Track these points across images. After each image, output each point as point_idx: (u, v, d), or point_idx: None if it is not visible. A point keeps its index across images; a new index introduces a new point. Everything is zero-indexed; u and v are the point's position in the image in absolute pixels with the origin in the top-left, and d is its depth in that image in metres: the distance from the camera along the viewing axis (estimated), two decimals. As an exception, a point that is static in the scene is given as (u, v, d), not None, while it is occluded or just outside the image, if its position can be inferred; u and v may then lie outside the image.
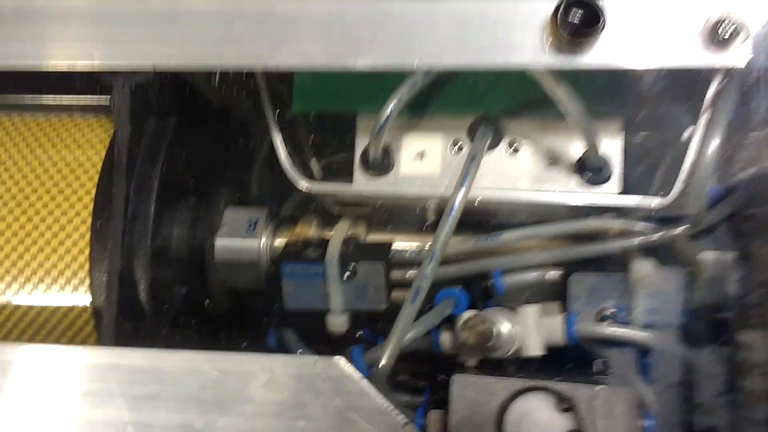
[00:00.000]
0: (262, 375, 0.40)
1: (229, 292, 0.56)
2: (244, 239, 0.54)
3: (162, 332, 0.48)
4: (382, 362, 0.43)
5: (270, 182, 0.61)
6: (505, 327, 0.45)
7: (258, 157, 0.60)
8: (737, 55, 0.39)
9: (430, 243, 0.50)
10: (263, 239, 0.54)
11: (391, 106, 0.45)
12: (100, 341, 0.44)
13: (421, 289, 0.43)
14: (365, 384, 0.39)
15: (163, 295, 0.48)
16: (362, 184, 0.49)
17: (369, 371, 0.44)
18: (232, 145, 0.57)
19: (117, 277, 0.43)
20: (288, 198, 0.60)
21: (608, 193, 0.48)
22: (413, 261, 0.51)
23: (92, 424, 0.41)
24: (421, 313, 0.46)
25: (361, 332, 0.52)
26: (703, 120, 0.46)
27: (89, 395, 0.41)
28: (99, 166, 0.46)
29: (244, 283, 0.55)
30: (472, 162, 0.44)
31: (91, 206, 0.45)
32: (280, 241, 0.55)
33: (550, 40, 0.39)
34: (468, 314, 0.46)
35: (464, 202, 0.44)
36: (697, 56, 0.39)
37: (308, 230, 0.55)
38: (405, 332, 0.44)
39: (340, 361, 0.40)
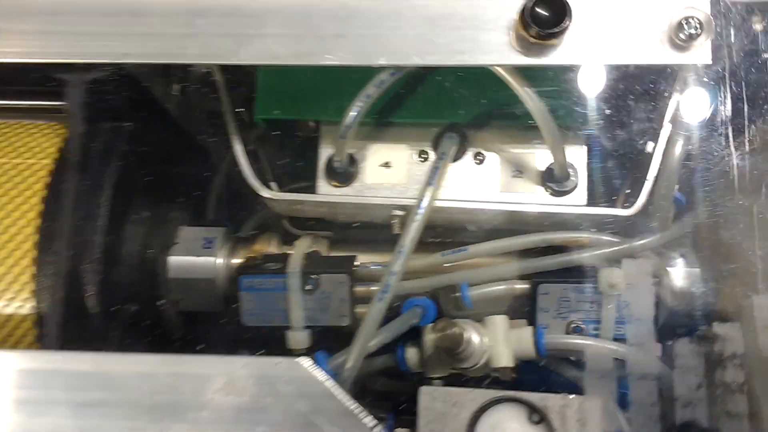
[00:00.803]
0: (219, 378, 0.38)
1: (183, 313, 0.53)
2: (199, 257, 0.52)
3: (110, 340, 0.44)
4: (348, 364, 0.41)
5: (227, 201, 0.59)
6: (474, 336, 0.44)
7: (216, 174, 0.58)
8: (699, 54, 0.40)
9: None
10: (220, 257, 0.52)
11: (354, 110, 0.44)
12: (43, 346, 0.40)
13: (390, 285, 0.41)
14: (331, 385, 0.37)
15: (112, 303, 0.45)
16: (326, 192, 0.48)
17: (335, 377, 0.41)
18: (189, 160, 0.55)
19: (63, 278, 0.40)
20: (246, 219, 0.58)
21: (574, 204, 0.47)
22: (377, 276, 0.49)
23: (30, 434, 0.37)
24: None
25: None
26: (663, 133, 0.47)
27: (28, 403, 0.37)
28: (50, 168, 0.44)
29: (198, 304, 0.53)
30: (441, 159, 0.43)
31: (38, 207, 0.43)
32: (237, 261, 0.53)
33: (517, 38, 0.40)
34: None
35: (433, 199, 0.43)
36: (661, 55, 0.40)
37: (268, 247, 0.53)
38: (372, 332, 0.42)
39: (304, 362, 0.37)
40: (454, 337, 0.41)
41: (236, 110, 0.50)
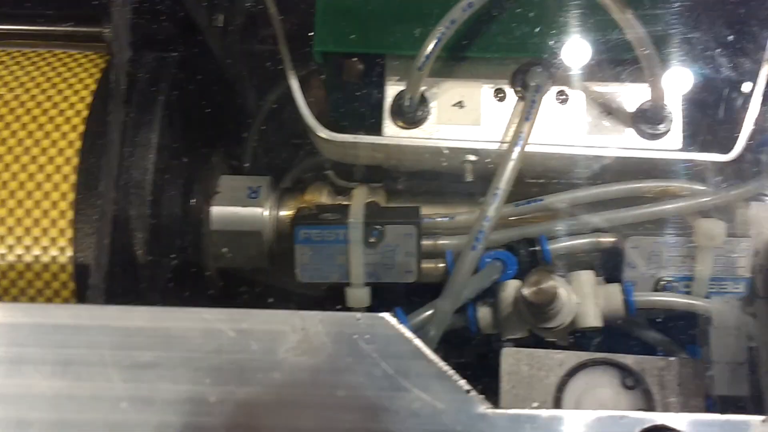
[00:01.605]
0: (292, 335, 0.33)
1: (225, 269, 0.49)
2: (244, 207, 0.47)
3: (158, 296, 0.40)
4: (436, 321, 0.36)
5: (264, 151, 0.54)
6: (564, 293, 0.39)
7: (257, 117, 0.53)
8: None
9: (462, 211, 0.45)
10: (267, 208, 0.47)
11: (435, 40, 0.39)
12: (86, 300, 0.36)
13: (484, 232, 0.37)
14: (420, 345, 0.32)
15: (157, 255, 0.40)
16: (394, 134, 0.43)
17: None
18: (231, 101, 0.50)
19: (110, 223, 0.35)
20: (288, 169, 0.54)
21: (669, 149, 0.43)
22: (444, 228, 0.45)
23: (75, 401, 0.33)
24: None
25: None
26: (765, 70, 0.43)
27: (71, 364, 0.33)
28: (89, 101, 0.39)
29: (244, 259, 0.48)
30: (538, 92, 0.39)
31: (77, 144, 0.38)
32: (285, 213, 0.48)
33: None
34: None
35: (529, 135, 0.38)
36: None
37: (319, 197, 0.48)
38: (464, 284, 0.37)
39: (388, 318, 0.33)
40: (549, 291, 0.37)
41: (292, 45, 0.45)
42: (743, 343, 0.40)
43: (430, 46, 0.39)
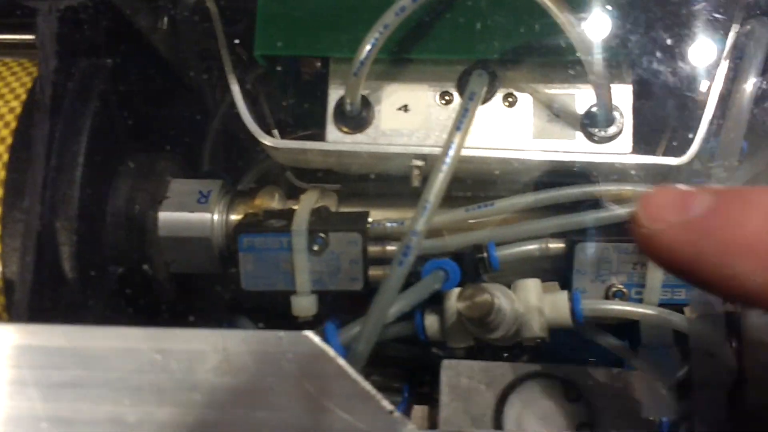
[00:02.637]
0: (213, 355, 0.32)
1: (176, 276, 0.48)
2: (193, 213, 0.46)
3: (91, 312, 0.39)
4: (363, 338, 0.36)
5: (225, 151, 0.53)
6: (505, 303, 0.38)
7: (211, 119, 0.52)
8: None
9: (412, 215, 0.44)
10: (217, 213, 0.47)
11: (370, 43, 0.38)
12: (10, 318, 0.35)
13: (411, 247, 0.36)
14: (343, 364, 0.32)
15: (94, 266, 0.40)
16: (336, 140, 0.42)
17: (345, 352, 0.36)
18: (182, 104, 0.49)
19: (34, 238, 0.35)
20: (245, 171, 0.53)
21: (619, 152, 0.42)
22: (393, 234, 0.44)
23: (-4, 420, 0.32)
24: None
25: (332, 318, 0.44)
26: (722, 69, 0.41)
27: (-7, 384, 0.32)
28: (18, 112, 0.38)
29: (192, 265, 0.47)
30: (471, 99, 0.37)
31: (4, 157, 0.37)
32: (236, 217, 0.47)
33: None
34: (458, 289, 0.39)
35: (461, 147, 0.37)
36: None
37: (270, 202, 0.47)
38: (390, 301, 0.36)
39: (312, 337, 0.32)
40: (484, 306, 0.36)
41: (233, 45, 0.44)
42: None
43: (364, 52, 0.37)
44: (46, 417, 0.32)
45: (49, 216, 0.36)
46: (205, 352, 0.32)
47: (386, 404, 0.31)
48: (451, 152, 0.36)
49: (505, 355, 0.42)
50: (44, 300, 0.35)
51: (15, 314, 0.34)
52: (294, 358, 0.32)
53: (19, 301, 0.34)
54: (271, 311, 0.46)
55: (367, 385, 0.31)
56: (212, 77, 0.51)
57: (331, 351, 0.32)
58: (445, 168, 0.36)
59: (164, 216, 0.46)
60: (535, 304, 0.40)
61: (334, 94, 0.43)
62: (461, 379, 0.38)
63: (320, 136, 0.44)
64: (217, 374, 0.32)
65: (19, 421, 0.32)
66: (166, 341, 0.32)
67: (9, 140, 0.37)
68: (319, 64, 0.45)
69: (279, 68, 0.44)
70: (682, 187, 0.24)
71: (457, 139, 0.36)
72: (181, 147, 0.51)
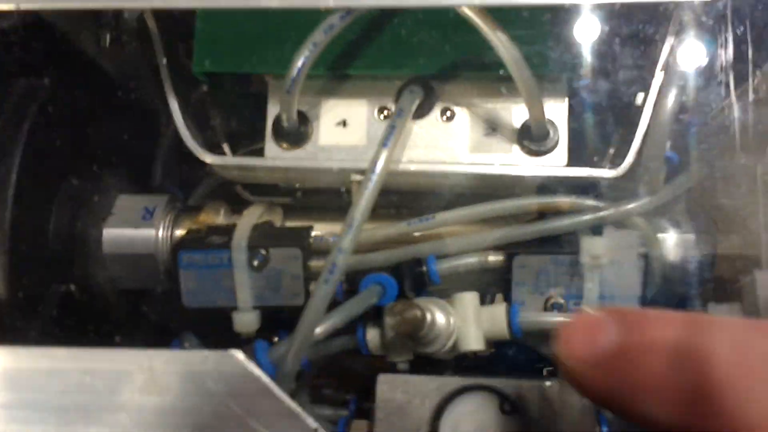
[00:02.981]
0: (139, 374, 0.32)
1: (122, 292, 0.48)
2: (137, 229, 0.47)
3: (29, 332, 0.39)
4: (290, 355, 0.36)
5: (176, 166, 0.53)
6: (440, 316, 0.38)
7: (160, 136, 0.52)
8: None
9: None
10: (162, 229, 0.47)
11: (300, 60, 0.38)
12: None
13: (337, 265, 0.36)
14: (268, 383, 0.32)
15: (31, 286, 0.40)
16: (275, 156, 0.42)
17: (275, 369, 0.36)
18: (128, 121, 0.49)
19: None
20: (194, 187, 0.53)
21: (555, 165, 0.42)
22: (335, 248, 0.44)
23: None
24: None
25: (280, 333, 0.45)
26: (655, 83, 0.42)
27: None
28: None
29: (138, 281, 0.47)
30: (399, 117, 0.38)
31: (-64, 178, 0.37)
32: (181, 233, 0.47)
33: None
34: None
35: (388, 163, 0.37)
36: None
37: (215, 218, 0.47)
38: (317, 318, 0.36)
39: (237, 356, 0.32)
40: (414, 321, 0.36)
41: (172, 63, 0.44)
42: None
43: (295, 69, 0.38)
44: (-28, 441, 0.32)
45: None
46: (131, 371, 0.32)
47: (311, 422, 0.31)
48: (377, 169, 0.36)
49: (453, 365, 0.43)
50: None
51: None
52: (220, 377, 0.32)
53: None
54: (216, 327, 0.46)
55: (291, 404, 0.32)
56: (153, 93, 0.51)
57: (256, 370, 0.32)
58: (371, 185, 0.36)
59: (108, 233, 0.46)
60: (472, 317, 0.40)
61: (273, 110, 0.43)
62: (397, 393, 0.38)
63: (263, 152, 0.44)
64: (143, 394, 0.32)
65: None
66: (91, 362, 0.32)
67: (-60, 161, 0.37)
68: (253, 81, 0.46)
69: (219, 85, 0.45)
70: (592, 315, 0.25)
71: (383, 156, 0.36)
72: (130, 163, 0.51)
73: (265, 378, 0.32)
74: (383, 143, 0.37)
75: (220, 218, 0.47)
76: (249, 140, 0.49)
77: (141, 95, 0.51)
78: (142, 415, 0.32)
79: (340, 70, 0.42)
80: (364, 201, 0.36)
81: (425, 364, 0.42)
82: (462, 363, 0.43)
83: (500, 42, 0.37)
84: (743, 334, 0.22)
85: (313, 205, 0.48)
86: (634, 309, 0.29)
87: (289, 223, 0.47)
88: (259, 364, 0.33)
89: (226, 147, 0.49)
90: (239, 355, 0.32)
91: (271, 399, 0.32)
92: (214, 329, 0.47)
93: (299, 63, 0.37)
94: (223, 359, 0.32)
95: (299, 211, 0.48)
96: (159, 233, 0.46)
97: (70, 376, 0.32)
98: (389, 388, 0.38)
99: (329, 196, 0.47)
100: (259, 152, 0.46)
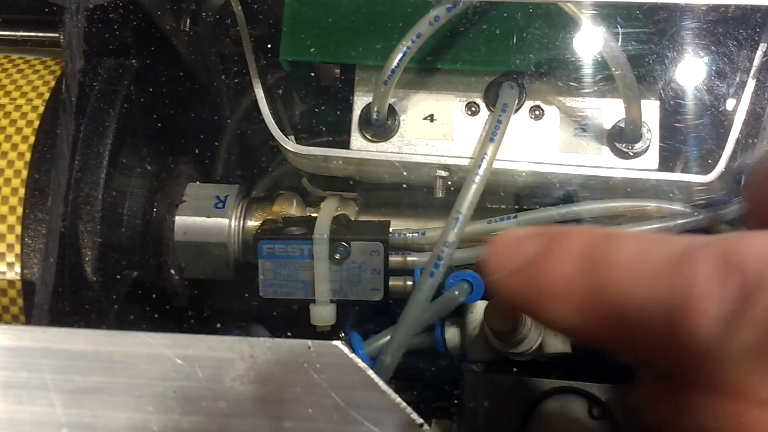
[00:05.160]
0: (240, 362, 0.32)
1: (191, 282, 0.47)
2: (210, 218, 0.46)
3: (110, 317, 0.39)
4: (391, 349, 0.35)
5: (239, 156, 0.53)
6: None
7: (228, 124, 0.51)
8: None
9: (434, 226, 0.43)
10: (234, 219, 0.46)
11: (400, 54, 0.38)
12: (29, 320, 0.34)
13: (443, 258, 0.35)
14: (373, 376, 0.31)
15: (112, 270, 0.39)
16: (361, 148, 0.42)
17: (372, 363, 0.36)
18: (199, 108, 0.49)
19: (56, 241, 0.34)
20: (259, 177, 0.52)
21: (646, 169, 0.41)
22: (414, 245, 0.43)
23: (15, 425, 0.31)
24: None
25: (349, 329, 0.44)
26: (749, 88, 0.41)
27: (10, 387, 0.32)
28: (41, 111, 0.38)
29: (207, 270, 0.46)
30: (504, 111, 0.37)
31: (27, 156, 0.36)
32: (253, 224, 0.46)
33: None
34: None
35: (494, 157, 0.36)
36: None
37: (288, 208, 0.47)
38: (420, 313, 0.36)
39: (341, 347, 0.32)
40: (512, 320, 0.35)
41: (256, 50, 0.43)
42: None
43: (396, 61, 0.37)
44: (68, 423, 0.31)
45: (71, 217, 0.35)
46: (232, 359, 0.32)
47: (416, 417, 0.31)
48: (484, 164, 0.36)
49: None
50: (65, 303, 0.34)
51: (36, 317, 0.33)
52: (322, 368, 0.31)
53: (40, 304, 0.33)
54: (288, 320, 0.46)
55: (397, 398, 0.31)
56: (229, 81, 0.50)
57: (360, 362, 0.31)
58: (477, 179, 0.35)
59: (180, 220, 0.45)
60: (559, 318, 0.39)
61: (360, 101, 0.42)
62: (484, 393, 0.38)
63: (342, 143, 0.43)
64: (243, 382, 0.31)
65: (40, 426, 0.31)
66: (191, 348, 0.32)
67: (32, 139, 0.37)
68: (337, 71, 0.45)
69: (302, 74, 0.44)
70: (519, 232, 0.26)
71: (490, 151, 0.36)
72: (197, 151, 0.51)
73: (369, 371, 0.31)
74: (490, 138, 0.36)
75: (293, 210, 0.47)
76: (317, 131, 0.49)
77: (211, 82, 0.51)
78: (243, 404, 0.31)
79: (430, 63, 0.41)
80: (470, 195, 0.35)
81: (500, 365, 0.42)
82: (537, 365, 0.43)
83: (604, 41, 0.36)
84: (646, 243, 0.22)
85: (383, 200, 0.48)
86: (558, 227, 0.30)
87: (363, 218, 0.46)
88: (358, 355, 0.32)
89: (292, 137, 0.48)
90: (343, 346, 0.31)
91: (376, 392, 0.31)
92: (284, 322, 0.47)
93: (400, 54, 0.37)
94: (327, 350, 0.31)
95: (370, 206, 0.47)
96: (232, 222, 0.46)
97: (168, 362, 0.32)
98: (477, 388, 0.37)
99: (398, 193, 0.47)
100: (329, 144, 0.45)
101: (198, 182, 0.48)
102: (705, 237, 0.21)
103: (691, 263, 0.20)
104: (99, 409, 0.31)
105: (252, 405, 0.31)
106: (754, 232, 0.21)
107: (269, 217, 0.46)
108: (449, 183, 0.41)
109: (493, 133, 0.36)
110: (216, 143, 0.52)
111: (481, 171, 0.36)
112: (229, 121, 0.51)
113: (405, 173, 0.43)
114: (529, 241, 0.25)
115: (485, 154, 0.36)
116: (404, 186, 0.45)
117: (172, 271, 0.46)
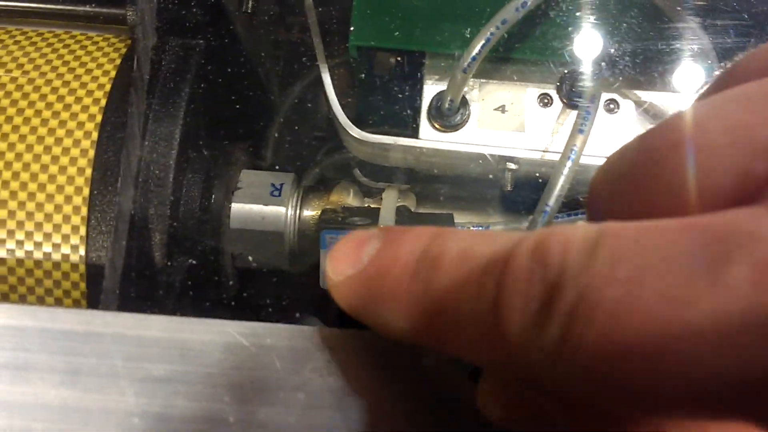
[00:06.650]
0: (318, 353, 0.31)
1: (245, 271, 0.46)
2: (266, 206, 0.45)
3: (174, 301, 0.37)
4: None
5: (290, 144, 0.52)
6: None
7: (278, 114, 0.50)
8: None
9: (496, 220, 0.42)
10: (290, 207, 0.45)
11: (483, 41, 0.37)
12: (93, 305, 0.33)
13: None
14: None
15: (177, 256, 0.38)
16: (430, 137, 0.41)
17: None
18: (255, 93, 0.48)
19: (127, 223, 0.33)
20: (311, 167, 0.51)
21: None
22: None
23: (84, 414, 0.30)
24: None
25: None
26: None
27: (78, 374, 0.30)
28: (107, 88, 0.37)
29: (260, 259, 0.45)
30: (593, 102, 0.36)
31: (94, 135, 0.35)
32: (309, 214, 0.45)
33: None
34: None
35: (582, 150, 0.35)
36: None
37: (346, 198, 0.46)
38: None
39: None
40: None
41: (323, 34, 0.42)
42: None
43: (478, 47, 0.36)
44: (139, 412, 0.30)
45: (142, 200, 0.34)
46: (311, 350, 0.30)
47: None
48: (573, 156, 0.34)
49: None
50: (133, 288, 0.33)
51: (104, 302, 0.32)
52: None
53: (108, 288, 0.32)
54: (340, 311, 0.45)
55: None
56: (284, 68, 0.49)
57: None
58: (566, 172, 0.34)
59: (237, 207, 0.44)
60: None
61: (429, 90, 0.41)
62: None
63: (407, 132, 0.42)
64: (322, 374, 0.30)
65: (110, 415, 0.30)
66: (269, 337, 0.31)
67: (98, 118, 0.36)
68: (393, 61, 0.44)
69: (368, 61, 0.43)
70: (360, 233, 0.25)
71: (578, 143, 0.35)
72: (248, 137, 0.49)
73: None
74: (578, 129, 0.35)
75: (351, 199, 0.46)
76: (373, 119, 0.48)
77: (264, 68, 0.50)
78: (321, 396, 0.30)
79: (504, 52, 0.40)
80: (558, 187, 0.34)
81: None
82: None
83: (694, 32, 0.35)
84: (469, 241, 0.21)
85: (439, 193, 0.47)
86: (400, 227, 0.29)
87: (422, 210, 0.45)
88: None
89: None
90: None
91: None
92: (339, 315, 0.46)
93: (483, 40, 0.36)
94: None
95: (428, 197, 0.46)
96: (289, 211, 0.45)
97: (244, 352, 0.31)
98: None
99: (458, 185, 0.46)
100: (388, 133, 0.44)
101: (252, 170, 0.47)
102: (527, 232, 0.20)
103: (508, 261, 0.19)
104: (172, 398, 0.30)
105: (331, 397, 0.30)
106: (564, 225, 0.20)
107: (328, 207, 0.45)
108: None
109: (582, 125, 0.35)
110: (268, 130, 0.50)
111: (569, 163, 0.34)
112: (283, 107, 0.50)
113: (470, 165, 0.41)
114: (368, 242, 0.24)
115: (574, 146, 0.35)
116: (462, 179, 0.44)
117: (227, 259, 0.45)
